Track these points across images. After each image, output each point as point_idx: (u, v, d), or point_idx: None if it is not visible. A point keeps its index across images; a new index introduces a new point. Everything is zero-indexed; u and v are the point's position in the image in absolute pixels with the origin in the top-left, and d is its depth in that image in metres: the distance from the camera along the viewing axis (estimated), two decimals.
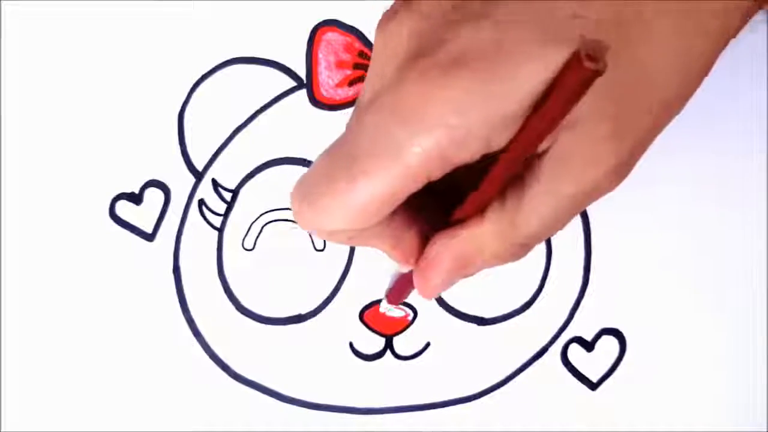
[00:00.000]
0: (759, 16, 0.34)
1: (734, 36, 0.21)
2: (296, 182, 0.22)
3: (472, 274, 0.23)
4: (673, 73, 0.21)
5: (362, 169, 0.19)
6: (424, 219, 0.24)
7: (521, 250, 0.23)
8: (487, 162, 0.20)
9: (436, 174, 0.20)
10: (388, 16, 0.21)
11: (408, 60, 0.20)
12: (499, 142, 0.19)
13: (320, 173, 0.21)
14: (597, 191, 0.21)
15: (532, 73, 0.18)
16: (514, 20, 0.19)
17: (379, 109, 0.20)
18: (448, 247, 0.23)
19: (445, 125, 0.19)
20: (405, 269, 0.25)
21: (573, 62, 0.17)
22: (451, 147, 0.19)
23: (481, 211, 0.22)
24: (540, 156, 0.21)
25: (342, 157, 0.20)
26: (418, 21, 0.20)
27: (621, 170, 0.21)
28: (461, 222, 0.22)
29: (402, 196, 0.20)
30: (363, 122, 0.20)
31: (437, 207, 0.23)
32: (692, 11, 0.20)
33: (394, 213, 0.21)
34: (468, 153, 0.19)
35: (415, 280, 0.24)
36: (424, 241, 0.24)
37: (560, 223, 0.22)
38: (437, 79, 0.19)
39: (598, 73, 0.17)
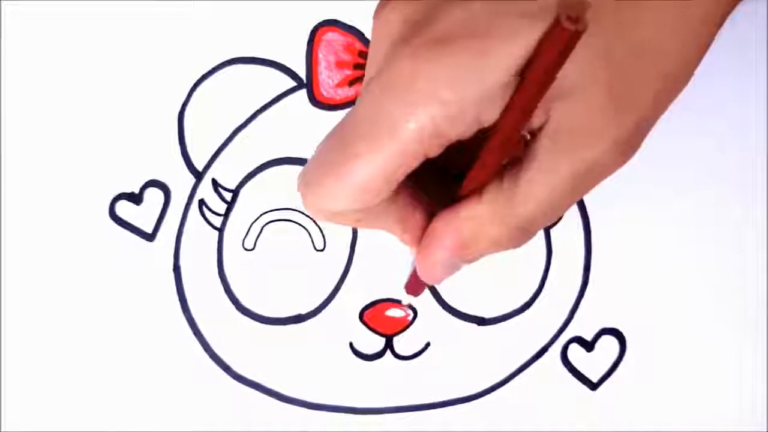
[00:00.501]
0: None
1: (731, 9, 0.21)
2: (302, 169, 0.22)
3: (472, 259, 0.23)
4: (670, 44, 0.20)
5: (360, 149, 0.20)
6: (431, 201, 0.24)
7: (520, 235, 0.22)
8: (485, 139, 0.21)
9: (434, 150, 0.20)
10: (383, 4, 0.21)
11: (401, 40, 0.20)
12: (490, 116, 0.20)
13: (321, 156, 0.21)
14: (597, 169, 0.21)
15: (516, 45, 0.19)
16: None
17: (373, 89, 0.20)
18: (447, 225, 0.23)
19: (438, 100, 0.19)
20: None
21: (554, 24, 0.18)
22: (444, 121, 0.19)
23: (480, 190, 0.22)
24: (536, 134, 0.21)
25: (341, 138, 0.21)
26: (411, 5, 0.21)
27: (623, 147, 0.21)
28: (461, 201, 0.22)
29: (402, 174, 0.20)
30: (359, 103, 0.20)
31: (444, 189, 0.23)
32: None
33: (400, 194, 0.21)
34: (462, 127, 0.20)
35: (417, 260, 0.24)
36: None
37: (561, 205, 0.22)
38: (428, 56, 0.19)
39: (578, 33, 0.17)
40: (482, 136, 0.20)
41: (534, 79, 0.19)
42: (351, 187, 0.20)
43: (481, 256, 0.23)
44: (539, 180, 0.21)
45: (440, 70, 0.19)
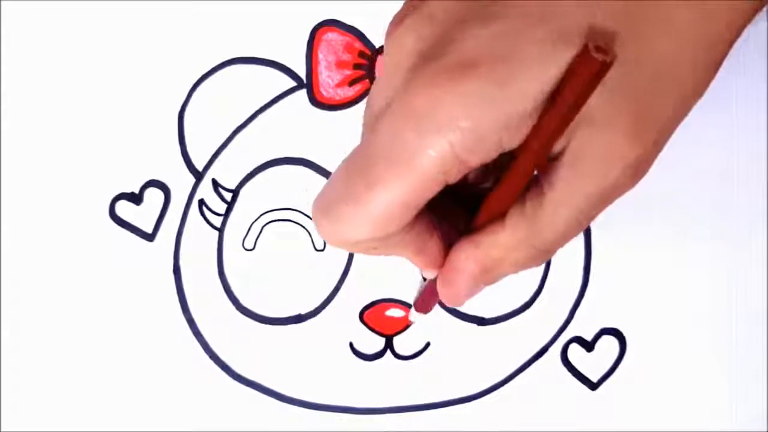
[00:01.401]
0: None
1: (744, 27, 0.21)
2: (316, 197, 0.22)
3: (495, 282, 0.23)
4: (688, 66, 0.21)
5: (379, 177, 0.20)
6: (447, 225, 0.23)
7: (542, 256, 0.23)
8: (505, 164, 0.20)
9: (453, 177, 0.20)
10: (396, 23, 0.21)
11: (417, 64, 0.20)
12: (512, 142, 0.20)
13: (338, 185, 0.21)
14: (618, 189, 0.21)
15: (543, 72, 0.18)
16: (523, 21, 0.19)
17: (390, 115, 0.20)
18: (469, 255, 0.23)
19: (457, 128, 0.19)
20: (430, 275, 0.25)
21: (582, 55, 0.17)
22: (464, 149, 0.19)
23: (501, 215, 0.22)
24: (557, 158, 0.21)
25: (358, 167, 0.20)
26: (425, 25, 0.20)
27: (641, 165, 0.21)
28: (483, 227, 0.22)
29: (421, 201, 0.20)
30: (376, 130, 0.20)
31: (461, 212, 0.23)
32: (703, 4, 0.20)
33: (417, 220, 0.21)
34: (481, 154, 0.19)
35: (439, 287, 0.24)
36: (448, 247, 0.24)
37: (581, 225, 0.22)
38: (447, 82, 0.19)
39: (607, 65, 0.17)
40: (501, 158, 0.20)
41: (560, 109, 0.18)
42: (371, 216, 0.20)
43: (502, 278, 0.23)
44: (563, 204, 0.21)
45: (461, 98, 0.19)
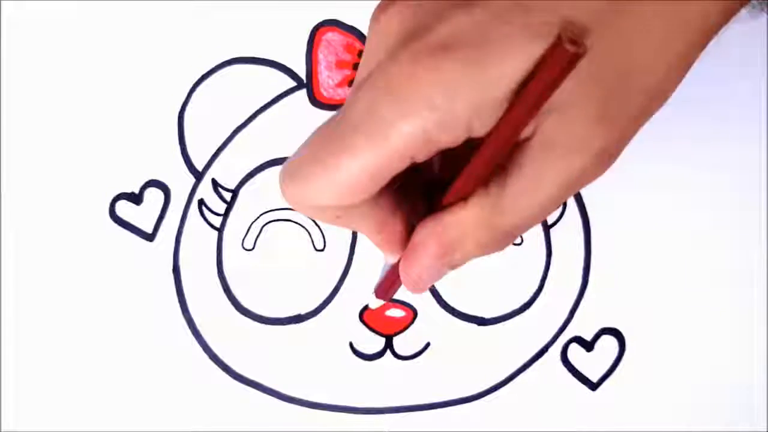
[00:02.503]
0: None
1: (716, 32, 0.22)
2: (286, 160, 0.22)
3: (457, 265, 0.24)
4: (660, 67, 0.21)
5: (349, 145, 0.20)
6: (410, 210, 0.24)
7: (505, 239, 0.23)
8: (472, 149, 0.21)
9: (421, 156, 0.20)
10: (382, 8, 0.22)
11: (399, 42, 0.20)
12: (482, 127, 0.20)
13: (308, 149, 0.21)
14: (582, 178, 0.22)
15: (518, 59, 0.19)
16: (503, 10, 0.19)
17: (369, 88, 0.20)
18: (431, 232, 0.23)
19: (433, 107, 0.19)
20: (392, 259, 0.25)
21: (555, 45, 0.18)
22: (435, 128, 0.19)
23: (464, 198, 0.22)
24: (523, 144, 0.21)
25: (331, 133, 0.21)
26: (412, 9, 0.21)
27: (607, 157, 0.21)
28: (447, 207, 0.23)
29: (388, 175, 0.20)
30: (353, 100, 0.20)
31: (424, 198, 0.24)
32: (678, 11, 0.21)
33: (382, 196, 0.21)
34: (452, 136, 0.20)
35: (400, 268, 0.24)
36: (410, 231, 0.24)
37: (545, 211, 0.22)
38: (427, 61, 0.19)
39: (578, 56, 0.18)
40: (468, 146, 0.21)
41: (531, 95, 0.19)
42: (337, 182, 0.20)
43: (466, 261, 0.24)
44: (527, 189, 0.21)
45: (439, 77, 0.19)
